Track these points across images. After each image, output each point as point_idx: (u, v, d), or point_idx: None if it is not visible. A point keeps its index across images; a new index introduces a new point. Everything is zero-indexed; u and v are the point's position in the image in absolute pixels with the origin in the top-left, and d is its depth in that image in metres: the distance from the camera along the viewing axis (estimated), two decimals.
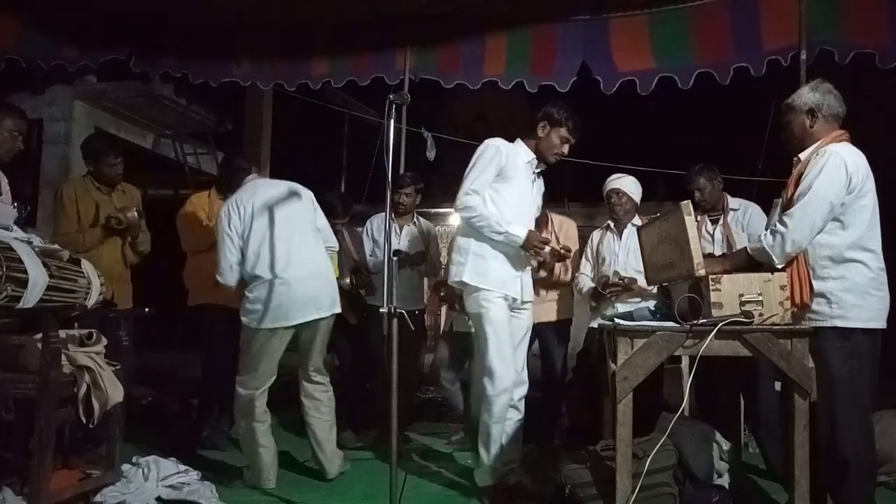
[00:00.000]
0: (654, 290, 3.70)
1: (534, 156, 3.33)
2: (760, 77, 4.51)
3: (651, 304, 3.82)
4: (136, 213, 3.88)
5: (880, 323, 2.60)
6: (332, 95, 7.01)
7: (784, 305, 2.59)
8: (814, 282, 2.60)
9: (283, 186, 3.51)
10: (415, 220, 4.62)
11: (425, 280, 4.77)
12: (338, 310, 3.51)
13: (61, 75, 6.11)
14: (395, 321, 2.71)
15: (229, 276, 3.38)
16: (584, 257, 4.16)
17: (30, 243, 2.80)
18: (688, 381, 2.83)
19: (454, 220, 9.50)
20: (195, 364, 4.51)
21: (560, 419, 4.58)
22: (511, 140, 3.36)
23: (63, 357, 2.68)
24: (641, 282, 3.77)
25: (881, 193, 2.65)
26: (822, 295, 2.58)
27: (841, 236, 2.59)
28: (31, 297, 2.65)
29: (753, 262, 2.72)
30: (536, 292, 3.82)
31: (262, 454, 3.44)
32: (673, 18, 4.76)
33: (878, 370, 2.66)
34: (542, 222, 4.00)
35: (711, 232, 3.84)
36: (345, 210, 4.53)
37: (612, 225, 4.10)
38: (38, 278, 2.68)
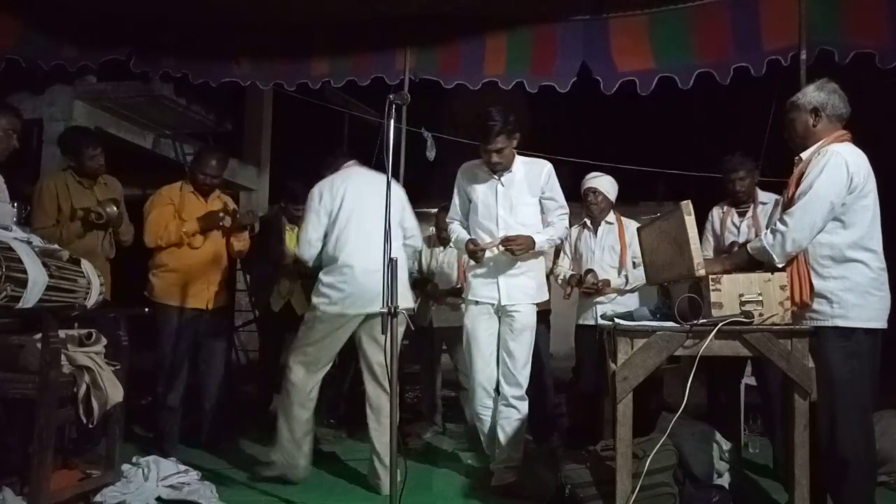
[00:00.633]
0: (626, 286, 4.09)
1: (486, 168, 3.47)
2: (760, 77, 4.51)
3: (631, 297, 4.09)
4: (115, 208, 3.82)
5: (881, 323, 2.60)
6: (332, 95, 7.00)
7: (784, 305, 2.59)
8: (814, 281, 2.60)
9: (377, 178, 3.43)
10: None
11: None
12: (407, 304, 3.44)
13: (61, 75, 6.09)
14: (395, 321, 2.71)
15: (307, 251, 3.48)
16: (562, 252, 4.33)
17: (29, 243, 2.80)
18: (688, 381, 2.82)
19: None
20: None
21: (560, 419, 4.59)
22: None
23: (63, 357, 2.68)
24: (615, 281, 4.07)
25: (882, 193, 2.65)
26: (822, 294, 2.59)
27: (842, 236, 2.59)
28: (30, 297, 2.65)
29: (754, 261, 2.72)
30: None
31: (298, 442, 3.43)
32: (673, 18, 4.76)
33: (879, 370, 2.66)
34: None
35: (738, 224, 3.82)
36: (305, 197, 4.58)
37: (588, 222, 4.26)
38: (37, 278, 2.68)
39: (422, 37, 5.09)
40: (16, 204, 3.12)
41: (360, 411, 4.60)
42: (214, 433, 4.17)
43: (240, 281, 5.11)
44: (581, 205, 4.29)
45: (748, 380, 4.11)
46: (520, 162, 3.50)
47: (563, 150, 5.09)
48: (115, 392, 2.82)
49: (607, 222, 4.18)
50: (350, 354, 4.58)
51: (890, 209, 2.73)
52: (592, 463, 2.91)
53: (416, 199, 4.29)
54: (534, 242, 3.36)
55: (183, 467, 3.28)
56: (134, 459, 3.27)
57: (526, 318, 3.44)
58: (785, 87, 3.77)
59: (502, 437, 3.41)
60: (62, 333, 2.72)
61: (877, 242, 2.63)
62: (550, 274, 4.28)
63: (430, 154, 5.32)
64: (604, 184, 4.17)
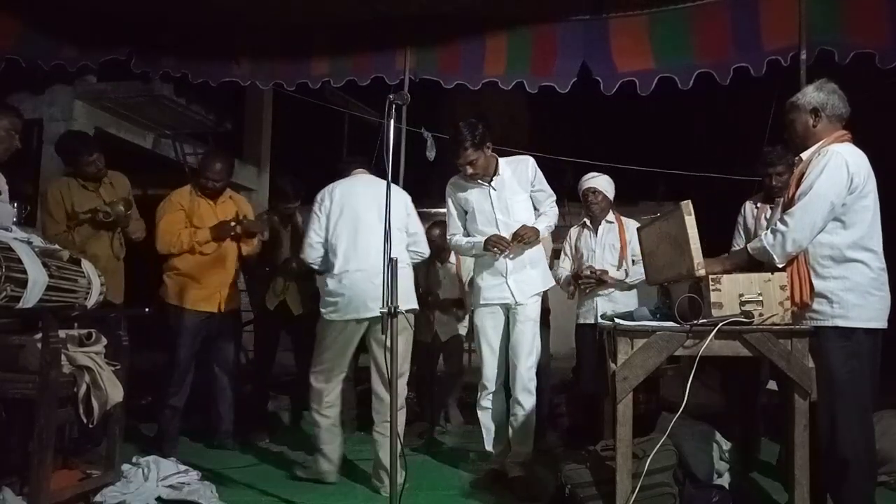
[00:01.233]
0: (626, 279, 4.10)
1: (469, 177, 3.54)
2: (760, 77, 4.51)
3: (629, 294, 4.09)
4: (122, 207, 3.84)
5: (881, 323, 2.60)
6: (332, 95, 7.00)
7: (784, 305, 2.58)
8: (814, 281, 2.60)
9: (380, 184, 3.42)
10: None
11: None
12: (411, 305, 3.46)
13: (61, 75, 6.09)
14: (394, 321, 2.71)
15: (311, 254, 3.56)
16: (562, 253, 4.38)
17: (29, 243, 2.80)
18: (688, 382, 2.82)
19: None
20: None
21: (560, 419, 4.59)
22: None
23: (63, 357, 2.68)
24: (614, 273, 4.10)
25: (882, 193, 2.65)
26: (822, 294, 2.58)
27: (842, 236, 2.59)
28: (30, 297, 2.65)
29: (754, 261, 2.72)
30: None
31: (322, 448, 3.50)
32: (673, 18, 4.76)
33: (879, 370, 2.66)
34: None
35: (769, 219, 3.68)
36: (295, 193, 4.66)
37: (587, 222, 4.29)
38: (37, 278, 2.68)
39: (422, 37, 5.09)
40: (16, 204, 3.12)
41: (360, 411, 4.63)
42: (229, 431, 4.24)
43: (239, 281, 5.14)
44: (580, 204, 4.30)
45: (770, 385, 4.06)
46: (504, 163, 3.60)
47: (563, 151, 5.09)
48: (115, 392, 2.82)
49: (607, 221, 4.22)
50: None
51: (890, 209, 2.73)
52: (592, 463, 2.90)
53: (416, 199, 4.29)
54: (537, 232, 3.52)
55: (183, 467, 3.28)
56: (134, 459, 3.26)
57: (531, 310, 3.54)
58: (785, 87, 3.77)
59: (510, 433, 3.51)
60: (62, 333, 2.72)
61: (877, 242, 2.62)
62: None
63: (430, 154, 5.32)
64: (602, 183, 4.21)
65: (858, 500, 2.55)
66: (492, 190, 3.56)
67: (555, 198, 3.69)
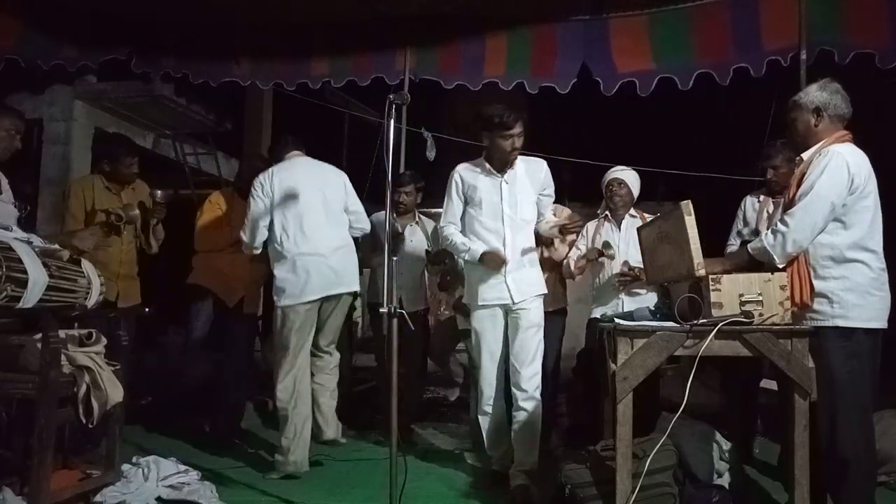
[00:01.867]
0: None
1: (490, 167, 3.42)
2: (760, 77, 4.51)
3: (654, 298, 3.89)
4: (137, 211, 3.91)
5: (881, 323, 2.60)
6: (331, 95, 6.99)
7: (784, 305, 2.59)
8: (815, 281, 2.60)
9: (318, 166, 3.76)
10: (417, 218, 4.64)
11: (426, 280, 4.78)
12: (356, 287, 3.70)
13: (61, 75, 6.09)
14: (395, 321, 2.71)
15: (257, 237, 3.59)
16: (574, 247, 4.13)
17: (30, 243, 2.80)
18: (688, 382, 2.82)
19: None
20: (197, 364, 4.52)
21: (560, 419, 4.58)
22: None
23: (63, 357, 2.68)
24: None
25: (882, 194, 2.65)
26: (823, 295, 2.58)
27: (842, 236, 2.59)
28: (30, 297, 2.65)
29: (754, 261, 2.72)
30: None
31: (294, 440, 3.54)
32: (673, 18, 4.76)
33: (879, 370, 2.66)
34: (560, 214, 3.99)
35: (771, 216, 3.68)
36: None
37: (609, 215, 4.10)
38: (37, 278, 2.68)
39: (422, 37, 5.10)
40: (16, 203, 3.12)
41: (358, 411, 4.63)
42: (232, 430, 4.29)
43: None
44: (581, 204, 4.27)
45: (765, 383, 4.07)
46: (519, 160, 3.49)
47: (563, 151, 5.09)
48: (115, 392, 2.82)
49: (631, 216, 4.03)
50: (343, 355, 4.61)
51: (890, 209, 2.73)
52: (592, 463, 2.90)
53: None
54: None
55: (183, 467, 3.28)
56: (134, 459, 3.26)
57: (533, 314, 3.40)
58: (785, 87, 3.77)
59: (515, 441, 3.38)
60: (62, 333, 2.71)
61: (877, 243, 2.63)
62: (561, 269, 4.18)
63: (431, 154, 5.32)
64: (629, 176, 4.05)
65: (858, 500, 2.55)
66: (504, 182, 3.42)
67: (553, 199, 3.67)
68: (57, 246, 3.02)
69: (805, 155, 2.72)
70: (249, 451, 4.17)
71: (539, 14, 4.97)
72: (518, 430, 3.35)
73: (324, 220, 3.57)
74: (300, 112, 6.74)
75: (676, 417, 2.79)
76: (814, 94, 2.71)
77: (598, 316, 3.95)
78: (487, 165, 3.45)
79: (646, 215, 4.02)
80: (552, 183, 3.55)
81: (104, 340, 2.93)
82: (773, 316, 2.57)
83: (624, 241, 3.98)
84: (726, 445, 3.21)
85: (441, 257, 4.42)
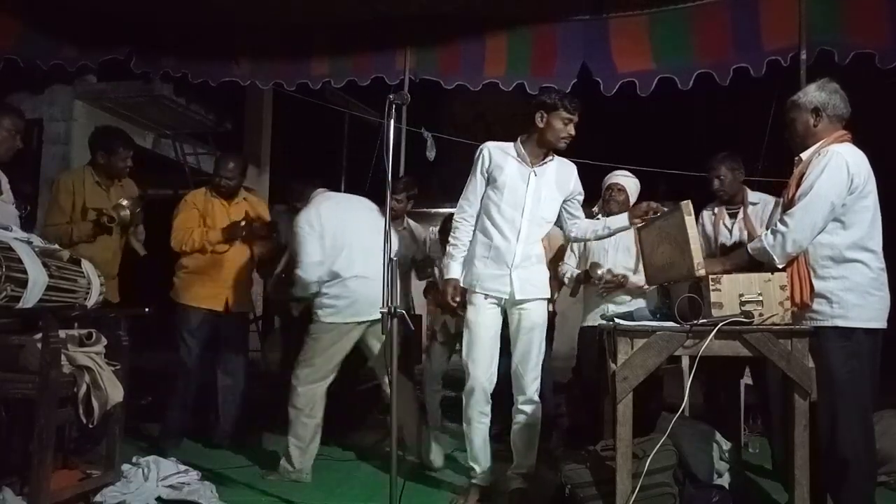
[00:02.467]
0: (646, 287, 3.82)
1: (524, 152, 3.21)
2: (760, 77, 4.50)
3: (641, 302, 3.88)
4: (128, 212, 3.84)
5: (881, 323, 2.60)
6: (332, 95, 6.99)
7: (784, 305, 2.59)
8: (814, 282, 2.60)
9: (355, 199, 3.92)
10: (405, 223, 4.64)
11: (413, 284, 4.77)
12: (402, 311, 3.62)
13: (61, 75, 6.09)
14: (395, 322, 2.71)
15: (313, 273, 3.61)
16: (568, 249, 4.15)
17: (29, 243, 2.80)
18: (688, 381, 2.83)
19: None
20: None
21: (560, 419, 4.58)
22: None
23: (63, 357, 2.68)
24: (633, 278, 3.88)
25: (881, 194, 2.66)
26: (822, 295, 2.59)
27: (842, 236, 2.59)
28: (30, 297, 2.65)
29: (754, 261, 2.72)
30: None
31: (305, 449, 3.58)
32: (673, 18, 4.76)
33: (879, 370, 2.66)
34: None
35: (729, 226, 3.74)
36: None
37: (601, 217, 3.99)
38: (37, 278, 2.68)
39: (422, 37, 5.09)
40: (16, 203, 3.12)
41: (355, 413, 4.62)
42: (230, 431, 4.26)
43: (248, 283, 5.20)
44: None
45: (747, 380, 4.10)
46: (555, 158, 3.30)
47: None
48: (115, 392, 2.82)
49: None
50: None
51: (890, 209, 2.73)
52: (592, 463, 2.90)
53: (416, 198, 4.31)
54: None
55: (183, 467, 3.28)
56: (134, 459, 3.26)
57: (536, 315, 3.24)
58: (785, 87, 3.77)
59: (513, 443, 3.28)
60: (62, 333, 2.72)
61: (876, 243, 2.63)
62: (555, 277, 4.20)
63: (430, 154, 5.32)
64: (629, 183, 4.06)
65: (858, 500, 2.55)
66: (533, 174, 3.22)
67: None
68: (56, 246, 3.02)
69: (804, 155, 2.73)
70: (249, 451, 4.17)
71: (539, 14, 4.96)
72: (517, 433, 3.26)
73: (370, 245, 3.49)
74: (300, 112, 6.74)
75: (676, 417, 2.79)
76: (812, 94, 2.71)
77: (590, 324, 3.99)
78: (522, 150, 3.23)
79: (636, 221, 4.02)
80: (581, 188, 3.37)
81: (104, 340, 2.93)
82: (773, 316, 2.57)
83: (613, 247, 3.97)
84: (726, 445, 3.21)
85: (426, 265, 4.42)
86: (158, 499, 3.08)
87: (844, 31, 4.33)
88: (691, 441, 3.11)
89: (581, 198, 3.39)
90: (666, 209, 3.11)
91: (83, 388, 2.72)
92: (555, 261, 4.20)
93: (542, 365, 3.38)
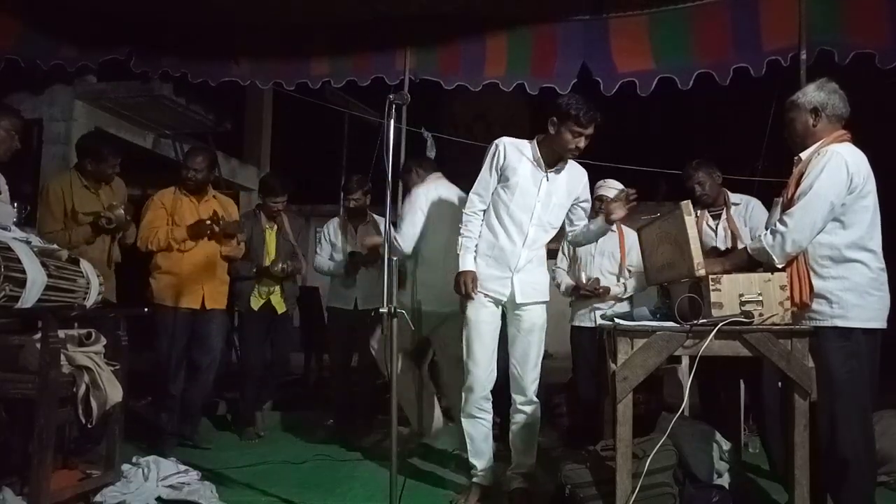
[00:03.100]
0: (623, 294, 4.19)
1: (539, 155, 3.20)
2: (760, 77, 4.51)
3: (627, 306, 4.08)
4: (122, 211, 3.84)
5: (880, 323, 2.60)
6: (331, 95, 7.00)
7: (784, 305, 2.58)
8: (814, 281, 2.60)
9: (454, 190, 3.82)
10: (368, 218, 4.80)
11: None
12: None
13: (61, 75, 6.09)
14: (395, 321, 2.71)
15: (409, 244, 3.68)
16: (560, 251, 4.30)
17: (28, 243, 2.80)
18: (688, 381, 2.82)
19: None
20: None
21: (560, 419, 4.58)
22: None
23: (62, 357, 2.68)
24: (615, 290, 4.14)
25: (881, 194, 2.65)
26: (822, 295, 2.58)
27: (841, 236, 2.59)
28: (29, 297, 2.65)
29: (753, 261, 2.72)
30: None
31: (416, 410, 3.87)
32: (673, 18, 4.76)
33: (878, 370, 2.66)
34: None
35: (714, 227, 3.83)
36: (283, 188, 4.69)
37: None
38: (36, 278, 2.68)
39: (422, 37, 5.09)
40: (16, 204, 3.12)
41: (355, 411, 4.63)
42: (192, 425, 4.27)
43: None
44: None
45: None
46: (567, 163, 3.27)
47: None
48: (114, 392, 2.82)
49: (611, 230, 3.97)
50: (344, 353, 4.64)
51: (890, 209, 2.73)
52: (592, 463, 2.90)
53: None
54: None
55: (183, 467, 3.28)
56: (134, 459, 3.27)
57: (536, 316, 3.24)
58: (785, 87, 3.77)
59: (513, 443, 3.30)
60: (62, 333, 2.72)
61: (876, 243, 2.62)
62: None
63: (430, 154, 5.32)
64: (614, 194, 4.13)
65: (858, 500, 2.55)
66: (545, 179, 3.19)
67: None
68: (55, 246, 3.01)
69: (803, 155, 2.72)
70: (249, 451, 4.18)
71: (539, 14, 4.96)
72: (516, 433, 3.27)
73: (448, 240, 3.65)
74: (300, 112, 6.74)
75: (676, 417, 2.79)
76: (811, 94, 2.71)
77: (577, 324, 4.25)
78: (538, 153, 3.19)
79: (623, 227, 4.17)
80: (588, 196, 3.38)
81: (104, 340, 2.94)
82: (773, 316, 2.57)
83: (599, 252, 4.18)
84: (726, 445, 3.21)
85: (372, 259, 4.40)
86: (158, 499, 3.08)
87: (844, 31, 4.33)
88: (691, 441, 3.11)
89: (587, 205, 3.37)
90: (633, 192, 3.21)
91: (82, 388, 2.72)
92: None
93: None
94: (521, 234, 3.19)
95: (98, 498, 2.97)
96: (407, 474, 2.81)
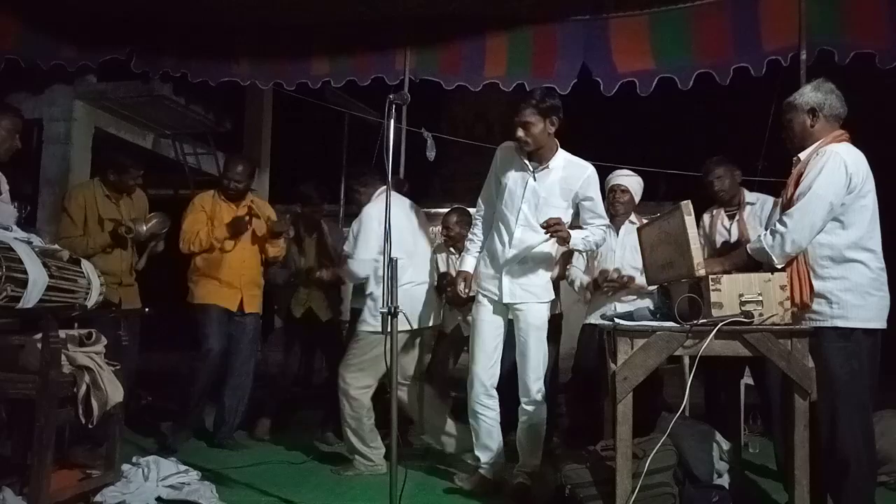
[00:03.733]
0: (652, 288, 3.71)
1: (528, 155, 3.24)
2: (760, 77, 4.51)
3: (649, 303, 3.87)
4: (144, 227, 3.92)
5: (880, 323, 2.60)
6: (332, 95, 7.00)
7: (784, 305, 2.58)
8: (814, 282, 2.60)
9: (404, 202, 3.83)
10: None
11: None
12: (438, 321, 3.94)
13: (61, 75, 6.09)
14: (395, 321, 2.71)
15: (365, 269, 3.65)
16: (576, 251, 4.07)
17: (29, 243, 2.80)
18: (688, 381, 2.82)
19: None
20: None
21: (560, 419, 4.58)
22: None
23: (63, 357, 2.68)
24: (640, 280, 3.81)
25: (881, 193, 2.65)
26: (822, 295, 2.59)
27: (841, 236, 2.59)
28: (30, 298, 2.65)
29: (753, 261, 2.72)
30: None
31: (371, 444, 3.68)
32: (673, 18, 4.76)
33: (879, 370, 2.66)
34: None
35: (728, 227, 3.75)
36: (320, 197, 4.69)
37: (609, 220, 4.08)
38: (37, 278, 2.68)
39: (422, 37, 5.10)
40: (16, 204, 3.13)
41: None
42: (232, 427, 4.28)
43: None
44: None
45: (747, 380, 4.10)
46: (562, 160, 3.25)
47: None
48: (115, 392, 2.82)
49: (630, 222, 4.01)
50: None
51: (890, 209, 2.73)
52: (592, 463, 2.90)
53: (416, 199, 4.30)
54: (569, 236, 3.16)
55: (183, 467, 3.27)
56: (134, 459, 3.26)
57: (532, 316, 3.25)
58: (785, 87, 3.77)
59: (518, 443, 3.34)
60: (62, 333, 2.71)
61: (876, 242, 2.63)
62: (564, 279, 4.19)
63: (430, 154, 5.31)
64: (632, 183, 4.06)
65: (858, 500, 2.55)
66: (531, 179, 3.22)
67: (606, 222, 3.41)
68: (57, 246, 3.02)
69: (802, 155, 2.73)
70: (249, 451, 4.18)
71: (539, 14, 4.97)
72: (521, 433, 3.32)
73: (421, 251, 3.81)
74: (300, 112, 6.74)
75: (676, 417, 2.79)
76: (808, 94, 2.71)
77: (592, 321, 4.01)
78: (524, 155, 3.25)
79: (644, 220, 3.96)
80: (596, 192, 3.30)
81: (104, 340, 2.93)
82: (773, 316, 2.57)
83: (620, 246, 3.99)
84: (726, 445, 3.21)
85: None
86: (158, 499, 3.08)
87: (844, 31, 4.34)
88: (691, 441, 3.11)
89: (590, 203, 3.30)
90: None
91: (83, 388, 2.72)
92: (564, 262, 4.19)
93: (549, 367, 3.43)
94: (508, 234, 3.28)
95: (98, 498, 2.97)
96: (407, 474, 2.81)
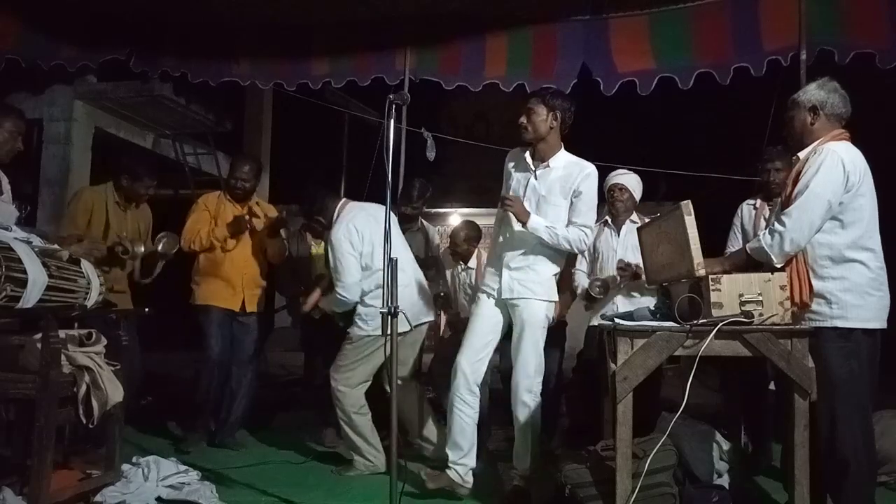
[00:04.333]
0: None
1: (527, 154, 3.30)
2: (760, 77, 4.51)
3: (651, 302, 3.86)
4: (142, 248, 3.93)
5: (880, 323, 2.60)
6: (332, 95, 7.00)
7: (784, 305, 2.58)
8: (813, 282, 2.60)
9: (378, 206, 3.71)
10: (419, 224, 4.61)
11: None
12: (432, 318, 3.95)
13: (61, 75, 6.09)
14: (395, 321, 2.71)
15: (355, 292, 3.64)
16: (579, 254, 4.07)
17: (29, 243, 2.80)
18: (688, 381, 2.82)
19: (454, 220, 9.47)
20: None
21: (560, 419, 4.58)
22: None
23: (63, 357, 2.68)
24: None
25: (881, 194, 2.65)
26: (821, 295, 2.58)
27: (840, 236, 2.58)
28: (30, 297, 2.65)
29: (753, 261, 2.72)
30: None
31: (371, 442, 3.69)
32: (673, 18, 4.77)
33: (878, 370, 2.66)
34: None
35: (768, 221, 3.62)
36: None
37: (609, 221, 4.10)
38: (37, 278, 2.68)
39: (422, 37, 5.10)
40: (16, 203, 3.13)
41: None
42: (235, 426, 4.29)
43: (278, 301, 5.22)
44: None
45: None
46: (564, 160, 3.27)
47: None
48: (115, 392, 2.82)
49: (631, 221, 4.00)
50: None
51: (890, 209, 2.73)
52: (592, 463, 2.90)
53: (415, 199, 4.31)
54: (527, 215, 3.15)
55: (183, 467, 3.28)
56: (134, 459, 3.26)
57: (527, 314, 3.22)
58: (785, 87, 3.77)
59: (515, 443, 3.30)
60: (62, 333, 2.71)
61: (875, 242, 2.62)
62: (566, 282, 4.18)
63: (430, 154, 5.30)
64: (630, 181, 4.05)
65: (858, 500, 2.55)
66: (533, 177, 3.26)
67: (590, 228, 3.30)
68: (56, 246, 3.02)
69: (801, 154, 2.72)
70: (249, 451, 4.18)
71: (539, 14, 4.97)
72: (516, 432, 3.28)
73: (402, 253, 3.68)
74: (300, 112, 6.74)
75: (676, 417, 2.79)
76: (811, 92, 2.71)
77: (596, 323, 3.92)
78: (527, 153, 3.31)
79: (646, 220, 3.93)
80: (588, 189, 3.24)
81: (104, 340, 2.93)
82: (773, 316, 2.57)
83: (622, 246, 3.98)
84: (726, 445, 3.21)
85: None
86: (158, 499, 3.08)
87: (844, 31, 4.34)
88: (691, 441, 3.11)
89: (578, 200, 3.23)
90: None
91: (83, 388, 2.72)
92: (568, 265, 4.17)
93: (548, 367, 3.40)
94: (508, 231, 3.33)
95: (98, 498, 2.97)
96: (406, 475, 2.81)
